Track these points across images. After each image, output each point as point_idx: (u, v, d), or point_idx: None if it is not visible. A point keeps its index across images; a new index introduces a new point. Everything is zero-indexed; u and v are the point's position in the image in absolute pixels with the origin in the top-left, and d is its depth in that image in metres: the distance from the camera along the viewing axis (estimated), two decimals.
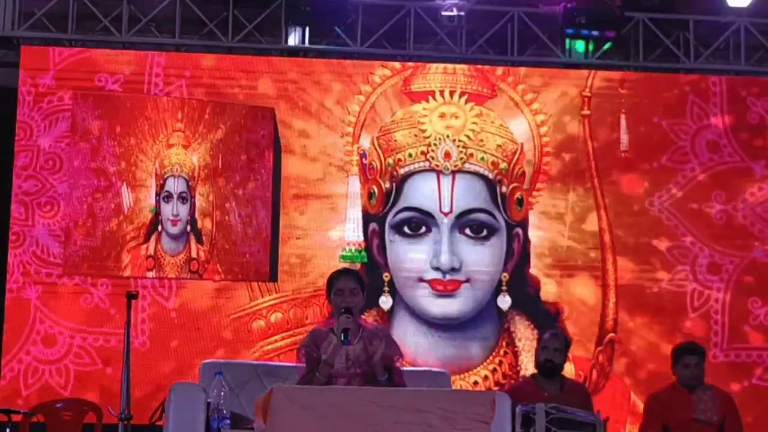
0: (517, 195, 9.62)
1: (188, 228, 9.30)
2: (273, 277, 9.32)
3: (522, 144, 9.67)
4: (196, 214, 9.30)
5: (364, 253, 9.47)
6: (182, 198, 9.30)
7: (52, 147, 9.29)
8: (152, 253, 9.21)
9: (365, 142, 9.58)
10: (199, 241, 9.28)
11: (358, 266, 9.32)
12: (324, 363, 5.33)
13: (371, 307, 9.29)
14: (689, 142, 9.81)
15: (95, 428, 8.12)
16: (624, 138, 9.78)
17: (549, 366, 6.78)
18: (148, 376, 8.98)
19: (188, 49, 9.70)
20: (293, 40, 9.80)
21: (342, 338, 5.31)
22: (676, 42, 10.04)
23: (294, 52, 9.84)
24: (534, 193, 9.66)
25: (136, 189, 9.22)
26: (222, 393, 5.25)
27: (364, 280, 5.79)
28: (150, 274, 9.21)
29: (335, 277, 5.64)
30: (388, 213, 9.53)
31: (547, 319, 9.46)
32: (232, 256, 9.27)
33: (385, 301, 9.44)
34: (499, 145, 9.65)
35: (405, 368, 5.81)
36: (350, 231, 9.50)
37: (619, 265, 9.64)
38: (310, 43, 9.82)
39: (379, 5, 9.76)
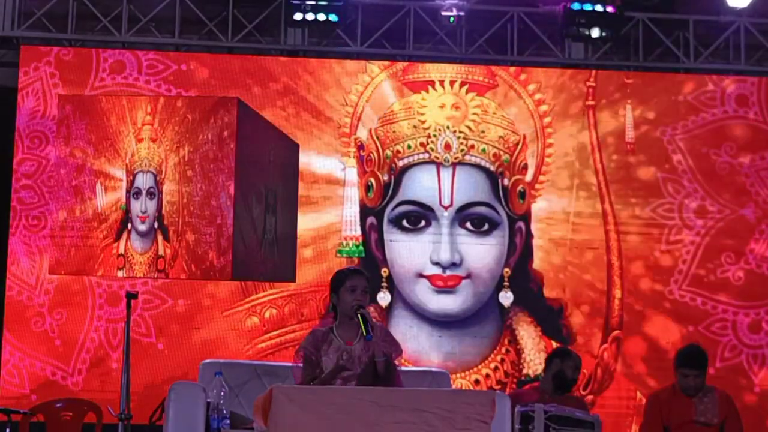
0: (520, 188, 9.55)
1: (155, 225, 9.26)
2: (235, 275, 9.19)
3: (524, 135, 9.61)
4: (163, 210, 9.27)
5: (361, 248, 9.41)
6: (150, 194, 9.26)
7: (50, 146, 9.30)
8: (122, 252, 9.18)
9: (363, 133, 9.54)
10: (166, 238, 9.22)
11: (355, 261, 9.29)
12: (339, 368, 5.26)
13: (369, 303, 9.22)
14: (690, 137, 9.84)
15: (95, 428, 8.14)
16: (629, 129, 9.74)
17: (570, 382, 6.88)
18: (147, 376, 8.99)
19: (188, 49, 9.71)
20: (293, 40, 9.81)
21: (365, 334, 5.26)
22: (676, 42, 10.04)
23: (294, 52, 9.85)
24: (537, 186, 9.58)
25: (110, 187, 9.23)
26: (222, 393, 5.26)
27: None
28: (120, 273, 9.18)
29: (348, 274, 5.47)
30: (387, 206, 9.47)
31: (550, 316, 9.43)
32: (196, 254, 9.22)
33: (384, 297, 9.39)
34: (500, 137, 9.59)
35: (405, 368, 5.78)
36: (347, 225, 9.44)
37: (624, 262, 9.59)
38: (309, 43, 9.83)
39: (379, 5, 9.77)
